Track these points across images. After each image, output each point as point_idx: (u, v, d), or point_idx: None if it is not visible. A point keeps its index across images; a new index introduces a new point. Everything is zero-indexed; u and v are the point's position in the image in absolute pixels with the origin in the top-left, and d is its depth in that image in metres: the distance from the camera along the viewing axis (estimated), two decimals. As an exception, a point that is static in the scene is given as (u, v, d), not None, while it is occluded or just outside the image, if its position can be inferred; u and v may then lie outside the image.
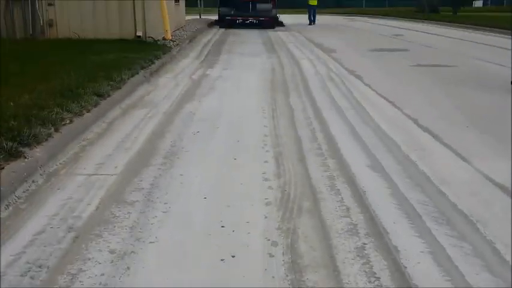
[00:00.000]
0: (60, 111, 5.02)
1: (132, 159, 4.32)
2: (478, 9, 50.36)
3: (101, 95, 6.05)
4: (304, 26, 23.81)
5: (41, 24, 11.92)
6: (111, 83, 6.71)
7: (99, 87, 6.26)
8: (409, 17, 31.60)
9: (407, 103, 6.58)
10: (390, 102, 6.70)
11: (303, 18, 27.06)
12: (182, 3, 18.84)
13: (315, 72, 9.34)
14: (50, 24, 12.02)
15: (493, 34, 18.52)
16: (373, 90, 7.58)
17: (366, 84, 8.04)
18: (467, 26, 22.12)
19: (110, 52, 9.65)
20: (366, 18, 32.75)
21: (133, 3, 12.01)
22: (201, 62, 10.79)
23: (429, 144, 4.81)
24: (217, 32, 19.28)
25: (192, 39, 15.19)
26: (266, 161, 4.27)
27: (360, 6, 75.77)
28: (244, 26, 21.48)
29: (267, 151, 4.57)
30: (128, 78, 7.40)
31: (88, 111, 5.44)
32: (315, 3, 25.77)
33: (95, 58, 8.79)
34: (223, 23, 21.65)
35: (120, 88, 6.83)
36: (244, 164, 4.26)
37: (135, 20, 12.11)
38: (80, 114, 5.23)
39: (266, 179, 3.84)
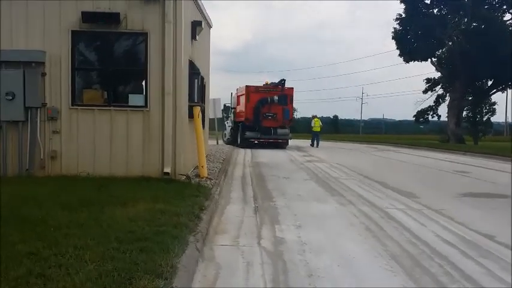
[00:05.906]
0: None
1: None
2: (491, 139, 49.38)
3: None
4: (326, 150, 25.86)
5: (41, 157, 9.13)
6: (160, 282, 3.65)
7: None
8: (435, 146, 29.55)
9: None
10: None
11: (303, 142, 32.39)
12: (206, 128, 16.39)
13: (436, 237, 6.36)
14: (53, 156, 9.20)
15: None
16: None
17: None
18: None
19: (137, 201, 6.76)
20: (389, 147, 30.58)
21: (163, 132, 9.32)
22: (256, 211, 7.86)
23: None
24: (246, 164, 16.63)
25: (225, 173, 12.43)
26: None
27: (357, 133, 75.31)
28: (262, 146, 25.05)
29: None
30: (179, 261, 4.37)
31: None
32: (319, 129, 29.65)
33: (118, 214, 5.85)
34: (246, 143, 25.28)
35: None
36: None
37: (163, 153, 9.35)
38: None
39: None
